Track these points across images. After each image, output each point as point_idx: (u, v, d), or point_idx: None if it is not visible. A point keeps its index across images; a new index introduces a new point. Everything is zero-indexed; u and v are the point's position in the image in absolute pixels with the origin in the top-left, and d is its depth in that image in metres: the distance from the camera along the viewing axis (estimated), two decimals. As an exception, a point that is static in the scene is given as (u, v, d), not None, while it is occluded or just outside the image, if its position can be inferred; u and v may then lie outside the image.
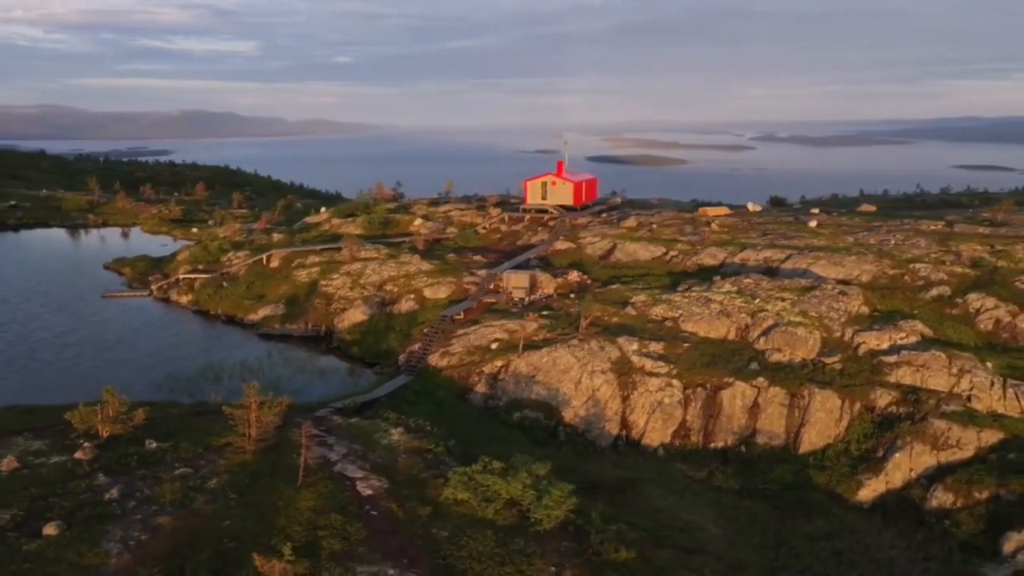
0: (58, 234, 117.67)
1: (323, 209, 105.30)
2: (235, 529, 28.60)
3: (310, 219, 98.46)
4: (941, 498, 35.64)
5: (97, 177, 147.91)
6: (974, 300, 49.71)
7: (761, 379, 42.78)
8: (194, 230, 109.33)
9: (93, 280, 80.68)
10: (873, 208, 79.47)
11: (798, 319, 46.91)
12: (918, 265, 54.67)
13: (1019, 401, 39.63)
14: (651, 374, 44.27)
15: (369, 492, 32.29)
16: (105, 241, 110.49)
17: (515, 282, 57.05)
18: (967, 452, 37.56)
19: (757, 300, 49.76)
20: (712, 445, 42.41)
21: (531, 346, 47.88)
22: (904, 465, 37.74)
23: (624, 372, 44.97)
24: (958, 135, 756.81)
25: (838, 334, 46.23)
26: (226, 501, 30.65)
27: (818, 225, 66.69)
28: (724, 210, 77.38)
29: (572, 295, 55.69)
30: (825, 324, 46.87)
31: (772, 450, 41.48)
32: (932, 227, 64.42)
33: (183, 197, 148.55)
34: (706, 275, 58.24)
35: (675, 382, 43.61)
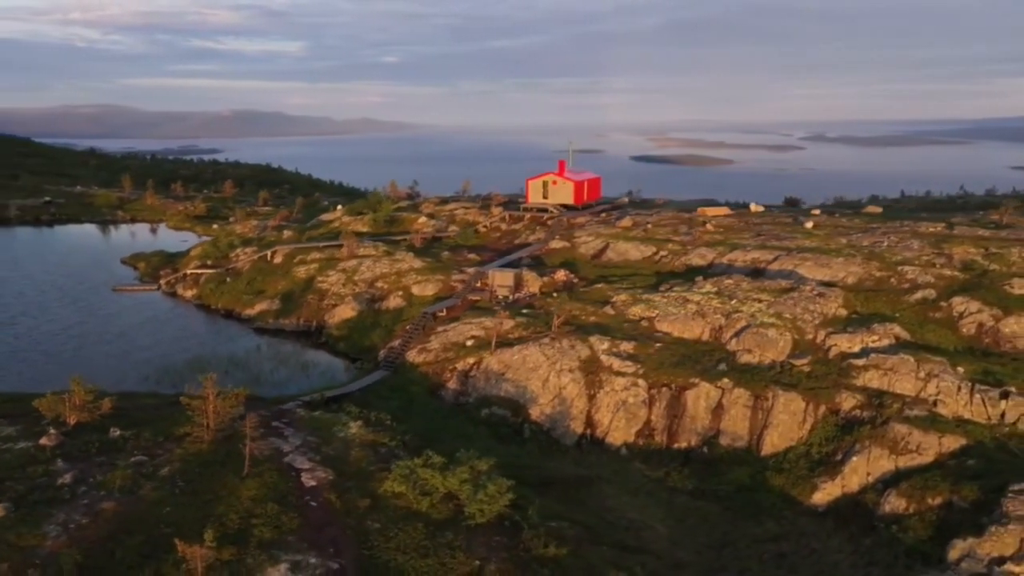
0: (88, 229, 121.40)
1: (339, 207, 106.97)
2: (174, 516, 29.63)
3: (325, 216, 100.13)
4: (894, 503, 35.20)
5: (141, 175, 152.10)
6: (958, 304, 48.81)
7: (726, 380, 42.63)
8: (215, 226, 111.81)
9: (109, 274, 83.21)
10: (879, 209, 78.09)
11: (771, 320, 46.58)
12: (906, 267, 53.79)
13: (986, 407, 38.92)
14: (618, 373, 44.39)
15: (313, 483, 33.11)
16: (129, 236, 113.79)
17: (500, 280, 57.53)
18: (927, 457, 36.99)
19: (734, 301, 49.51)
20: (676, 445, 42.38)
21: (505, 344, 48.32)
22: (861, 469, 37.33)
23: (592, 371, 45.17)
24: (1014, 135, 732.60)
25: (810, 336, 45.80)
26: (172, 489, 31.72)
27: (814, 226, 65.87)
28: (724, 210, 76.69)
29: (555, 294, 55.97)
30: (798, 326, 46.46)
31: (735, 451, 41.32)
32: (931, 229, 63.17)
33: (211, 194, 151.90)
34: (693, 275, 58.01)
35: (640, 382, 43.68)
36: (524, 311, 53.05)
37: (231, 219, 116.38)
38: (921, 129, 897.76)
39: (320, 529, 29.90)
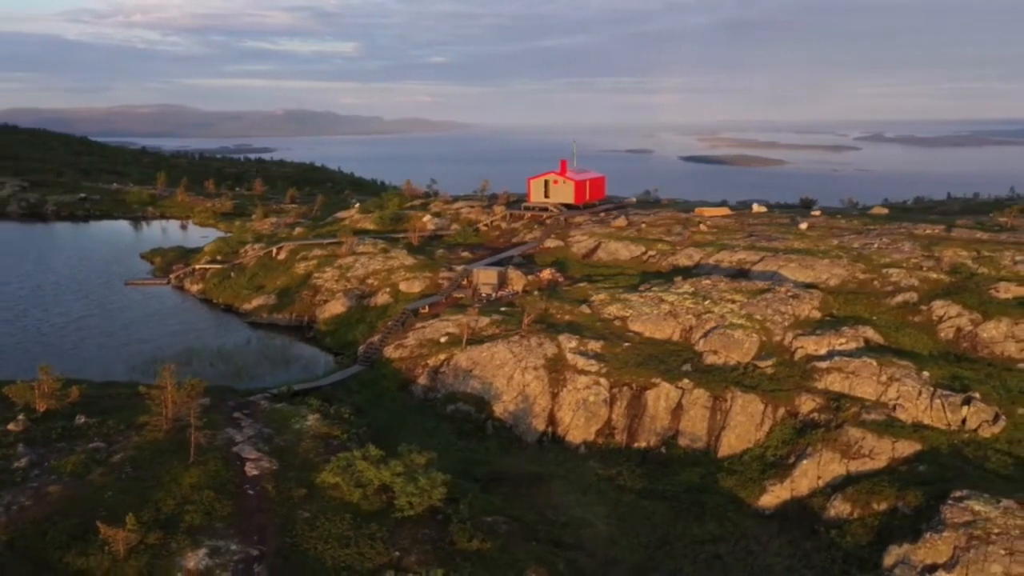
0: (119, 225, 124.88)
1: (357, 204, 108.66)
2: (113, 500, 30.87)
3: (340, 214, 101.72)
4: (839, 508, 34.84)
5: (189, 173, 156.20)
6: (938, 307, 47.81)
7: (686, 381, 42.51)
8: (237, 223, 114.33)
9: (126, 268, 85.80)
10: (886, 211, 76.44)
11: (740, 322, 46.23)
12: (891, 270, 52.79)
13: (946, 413, 38.16)
14: (582, 372, 44.54)
15: (255, 472, 34.07)
16: (156, 232, 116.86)
17: (483, 278, 58.01)
18: (879, 462, 36.49)
19: (707, 302, 49.22)
20: (636, 445, 42.38)
21: (476, 341, 48.79)
22: (811, 473, 36.97)
23: (557, 369, 45.38)
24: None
25: (778, 338, 45.34)
26: (119, 474, 33.02)
27: (808, 227, 64.86)
28: (723, 211, 75.92)
29: (536, 292, 56.24)
30: (767, 327, 46.02)
31: (693, 452, 41.18)
32: (928, 231, 61.72)
33: (243, 192, 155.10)
34: (683, 275, 57.63)
35: (602, 381, 43.77)
36: (503, 309, 53.44)
37: (253, 216, 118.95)
38: (984, 129, 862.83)
39: (251, 517, 30.83)
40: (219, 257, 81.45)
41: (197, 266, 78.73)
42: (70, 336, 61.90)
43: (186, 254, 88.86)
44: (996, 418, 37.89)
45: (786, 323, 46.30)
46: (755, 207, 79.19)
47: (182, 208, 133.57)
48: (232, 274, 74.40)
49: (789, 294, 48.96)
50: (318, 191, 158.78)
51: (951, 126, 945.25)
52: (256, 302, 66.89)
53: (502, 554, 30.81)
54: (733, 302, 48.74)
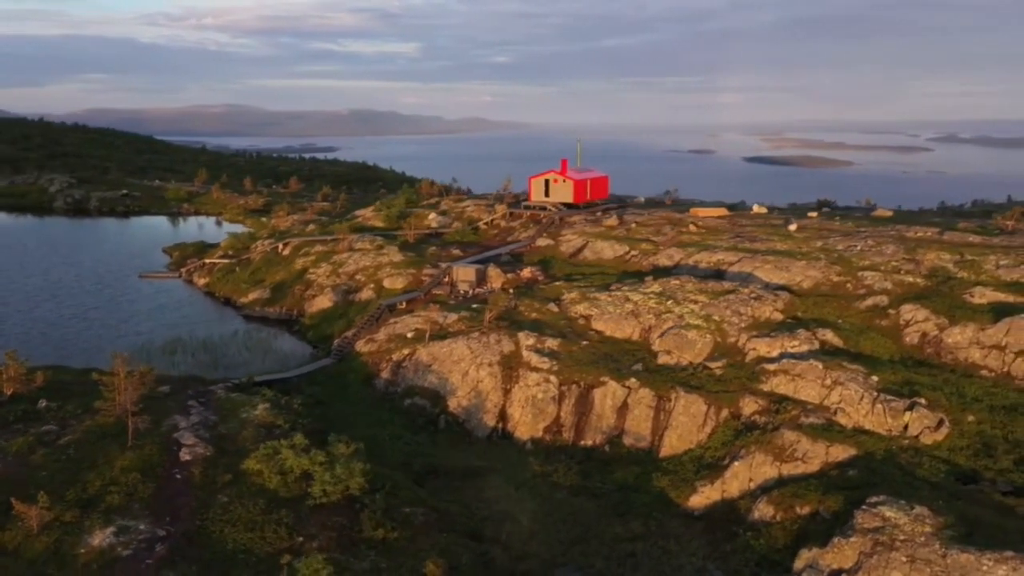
0: (156, 221, 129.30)
1: (378, 201, 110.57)
2: (46, 479, 32.56)
3: (357, 212, 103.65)
4: (763, 510, 34.55)
5: (244, 171, 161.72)
6: (906, 311, 46.71)
7: (633, 380, 42.50)
8: (263, 219, 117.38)
9: (146, 262, 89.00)
10: (890, 213, 74.39)
11: (697, 322, 45.98)
12: (867, 273, 51.71)
13: (887, 417, 37.47)
14: (534, 369, 44.89)
15: (188, 458, 35.42)
16: (189, 228, 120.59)
17: (462, 275, 58.71)
18: (812, 466, 36.06)
19: (670, 302, 49.01)
20: (582, 443, 42.59)
21: (441, 336, 49.54)
22: (743, 475, 36.72)
23: (511, 366, 45.82)
24: None
25: (733, 339, 44.95)
26: (60, 456, 34.76)
27: (798, 228, 63.73)
28: (719, 211, 74.95)
29: (511, 290, 56.67)
30: (723, 328, 45.65)
31: (636, 451, 41.21)
32: (919, 234, 60.09)
33: (278, 190, 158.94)
34: (659, 275, 57.44)
35: (552, 378, 44.05)
36: (474, 306, 54.04)
37: (279, 213, 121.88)
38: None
39: (171, 499, 32.15)
40: (230, 252, 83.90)
41: (207, 260, 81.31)
42: (74, 327, 64.67)
43: (204, 249, 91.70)
44: (939, 424, 37.04)
45: (743, 324, 45.84)
46: (755, 207, 78.03)
47: (216, 205, 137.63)
48: (236, 269, 76.72)
49: (752, 295, 48.42)
50: (367, 190, 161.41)
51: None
52: (252, 296, 68.91)
53: (408, 544, 31.46)
54: (695, 302, 48.44)
